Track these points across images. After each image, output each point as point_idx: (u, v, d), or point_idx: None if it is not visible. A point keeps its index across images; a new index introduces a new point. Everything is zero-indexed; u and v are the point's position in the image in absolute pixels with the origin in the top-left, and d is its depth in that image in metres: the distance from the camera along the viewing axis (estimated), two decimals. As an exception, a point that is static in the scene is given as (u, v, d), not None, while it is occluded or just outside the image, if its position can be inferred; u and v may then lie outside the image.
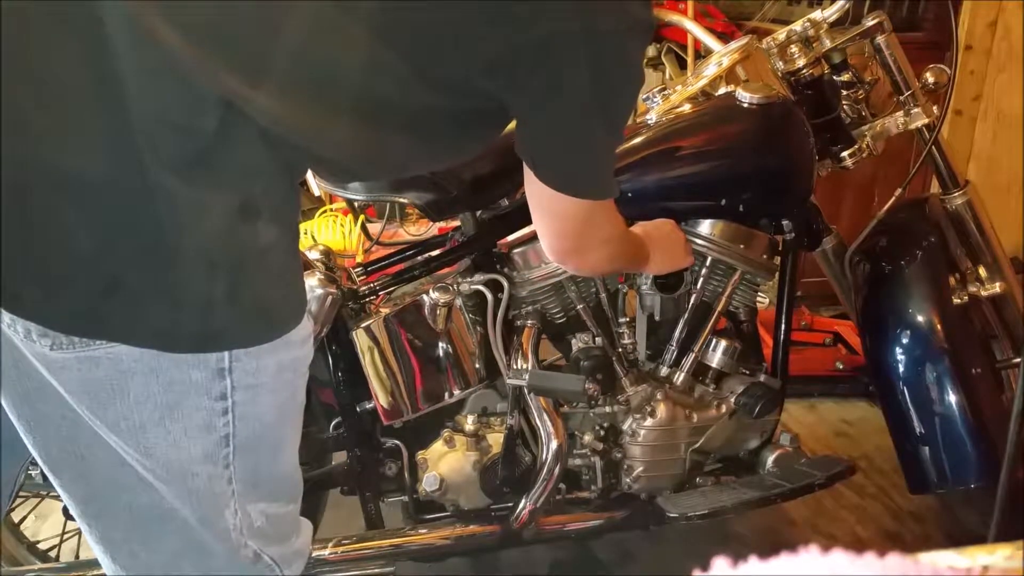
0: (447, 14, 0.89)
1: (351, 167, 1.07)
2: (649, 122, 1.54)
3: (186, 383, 0.87)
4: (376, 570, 1.52)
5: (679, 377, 1.58)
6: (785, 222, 1.60)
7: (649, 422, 1.55)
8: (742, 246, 1.54)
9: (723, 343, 1.59)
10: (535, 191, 1.05)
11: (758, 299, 1.63)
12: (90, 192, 0.81)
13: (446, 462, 1.55)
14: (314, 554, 1.44)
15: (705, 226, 1.54)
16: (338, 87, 0.89)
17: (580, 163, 1.02)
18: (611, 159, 1.06)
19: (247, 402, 0.91)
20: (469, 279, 1.50)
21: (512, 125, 1.03)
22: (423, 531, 1.56)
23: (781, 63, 1.60)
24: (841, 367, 2.44)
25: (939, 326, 1.57)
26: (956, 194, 1.66)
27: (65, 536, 1.76)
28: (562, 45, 0.89)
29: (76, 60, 0.80)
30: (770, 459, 1.64)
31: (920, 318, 1.58)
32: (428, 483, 1.53)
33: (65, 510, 1.53)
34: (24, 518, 1.79)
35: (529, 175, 1.03)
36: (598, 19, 0.89)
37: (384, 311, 1.49)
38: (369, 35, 0.87)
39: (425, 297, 1.47)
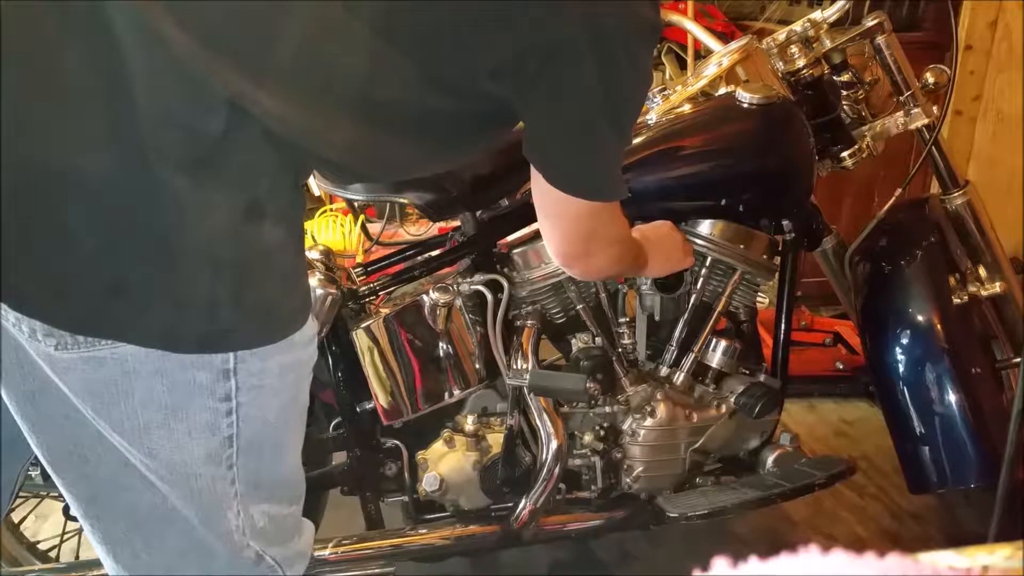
0: (453, 16, 0.88)
1: (355, 168, 1.07)
2: (649, 122, 1.54)
3: (190, 384, 0.87)
4: (376, 570, 1.52)
5: (679, 377, 1.58)
6: (785, 222, 1.60)
7: (649, 422, 1.55)
8: (742, 246, 1.55)
9: (723, 343, 1.59)
10: (542, 195, 1.05)
11: (758, 299, 1.63)
12: (96, 191, 0.81)
13: (446, 462, 1.55)
14: (314, 554, 1.44)
15: (705, 226, 1.54)
16: (342, 88, 0.89)
17: (589, 165, 1.02)
18: (619, 160, 1.05)
19: (251, 403, 0.91)
20: (469, 279, 1.50)
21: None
22: (423, 531, 1.56)
23: (781, 63, 1.60)
24: (841, 367, 2.44)
25: (939, 326, 1.57)
26: (956, 194, 1.66)
27: (65, 536, 1.76)
28: (570, 46, 0.89)
29: (83, 60, 0.80)
30: (770, 459, 1.64)
31: (920, 318, 1.58)
32: (428, 483, 1.53)
33: (65, 510, 1.53)
34: (24, 518, 1.79)
35: (537, 179, 1.02)
36: (606, 20, 0.89)
37: (384, 311, 1.49)
38: (374, 36, 0.87)
39: (425, 297, 1.47)
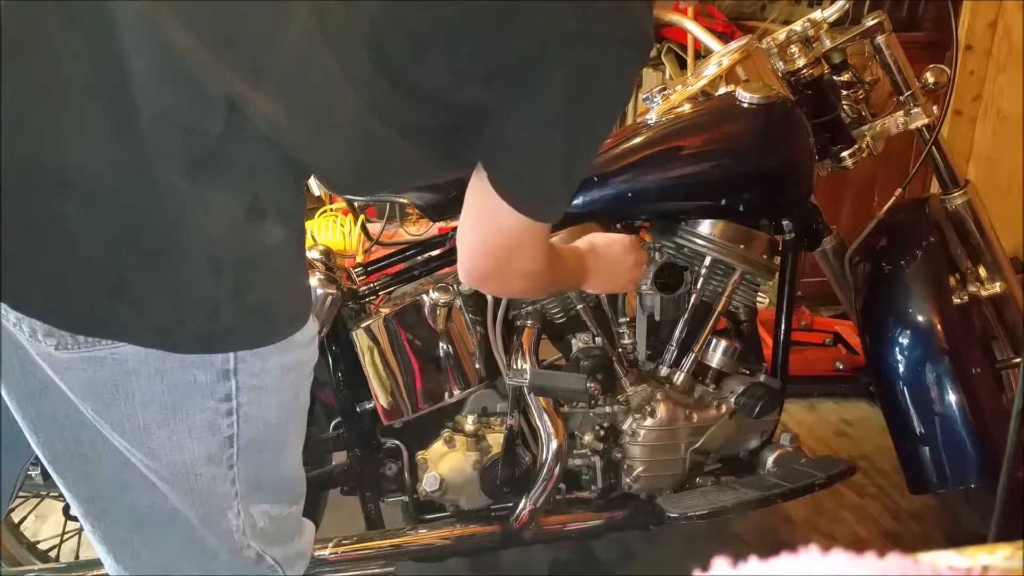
0: (453, 16, 0.88)
1: (346, 181, 1.07)
2: (649, 122, 1.54)
3: (191, 384, 0.87)
4: (376, 570, 1.52)
5: (679, 377, 1.58)
6: (785, 222, 1.60)
7: (649, 422, 1.55)
8: (742, 246, 1.55)
9: (723, 343, 1.59)
10: (477, 199, 1.00)
11: (758, 299, 1.63)
12: (97, 191, 0.81)
13: (446, 462, 1.55)
14: (315, 554, 1.43)
15: (705, 226, 1.54)
16: (338, 93, 0.89)
17: (544, 170, 0.98)
18: (573, 176, 1.01)
19: (252, 403, 0.91)
20: (469, 279, 1.49)
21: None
22: (423, 531, 1.56)
23: (781, 63, 1.60)
24: (841, 367, 2.44)
25: (939, 326, 1.57)
26: (956, 194, 1.66)
27: (65, 536, 1.76)
28: (561, 46, 0.88)
29: (83, 59, 0.80)
30: (770, 459, 1.64)
31: (920, 318, 1.58)
32: (428, 483, 1.53)
33: (65, 510, 1.54)
34: (24, 518, 1.79)
35: (477, 183, 0.99)
36: (606, 21, 0.89)
37: (384, 311, 1.49)
38: (372, 38, 0.87)
39: (425, 297, 1.47)
